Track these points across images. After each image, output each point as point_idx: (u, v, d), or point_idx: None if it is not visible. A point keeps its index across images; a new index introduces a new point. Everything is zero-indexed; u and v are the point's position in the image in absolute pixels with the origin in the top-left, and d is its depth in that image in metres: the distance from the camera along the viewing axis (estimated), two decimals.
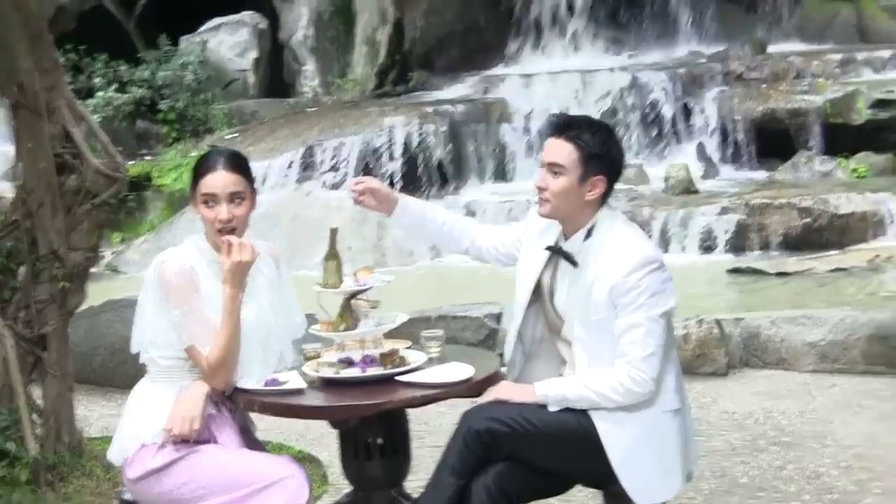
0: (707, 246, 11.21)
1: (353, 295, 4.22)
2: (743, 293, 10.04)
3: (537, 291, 4.27)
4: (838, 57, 13.31)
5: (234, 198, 4.20)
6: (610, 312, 4.02)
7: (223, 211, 4.18)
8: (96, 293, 6.94)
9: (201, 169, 4.22)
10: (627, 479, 4.00)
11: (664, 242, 11.30)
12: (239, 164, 4.25)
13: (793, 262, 10.53)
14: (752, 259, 10.87)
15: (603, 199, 4.15)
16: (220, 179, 4.18)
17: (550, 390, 4.05)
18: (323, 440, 6.52)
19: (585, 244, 4.12)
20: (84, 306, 6.35)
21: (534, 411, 4.01)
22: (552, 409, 4.02)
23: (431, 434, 6.21)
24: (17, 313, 5.87)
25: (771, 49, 14.12)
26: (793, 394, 7.00)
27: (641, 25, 15.02)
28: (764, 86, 13.13)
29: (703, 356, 7.38)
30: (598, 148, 4.09)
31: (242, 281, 4.14)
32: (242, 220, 4.22)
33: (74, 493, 5.74)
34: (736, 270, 10.56)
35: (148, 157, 14.07)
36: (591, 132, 4.12)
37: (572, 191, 4.10)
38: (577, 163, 4.08)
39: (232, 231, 4.17)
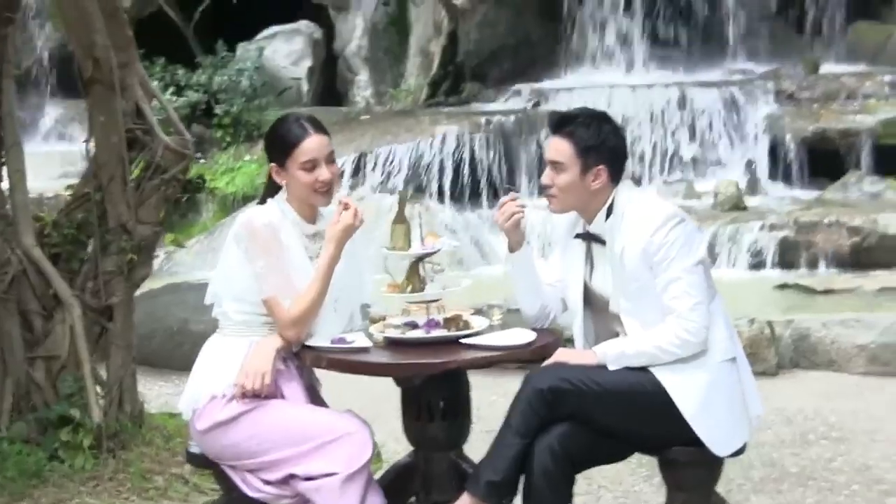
0: (756, 262, 11.20)
1: (421, 258, 4.30)
2: (790, 308, 10.05)
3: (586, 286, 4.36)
4: (890, 78, 13.29)
5: (329, 158, 4.29)
6: (647, 275, 4.12)
7: (324, 172, 4.26)
8: (152, 283, 7.05)
9: (291, 137, 4.26)
10: (703, 430, 4.05)
11: (712, 257, 11.31)
12: (322, 125, 4.35)
13: (840, 280, 10.54)
14: (799, 276, 10.85)
15: (614, 181, 4.25)
16: (316, 142, 4.26)
17: (609, 349, 4.15)
18: (379, 417, 6.60)
19: (608, 223, 4.23)
20: (143, 288, 6.47)
21: (596, 371, 4.10)
22: (612, 367, 4.11)
23: (481, 420, 6.27)
24: (86, 284, 6.00)
25: (822, 70, 14.13)
26: (842, 394, 7.04)
27: (693, 43, 15.00)
28: (815, 105, 13.10)
29: (754, 355, 7.32)
30: (593, 140, 4.21)
31: (344, 244, 4.22)
32: (337, 178, 4.33)
33: (134, 459, 5.83)
34: (783, 286, 10.57)
35: (202, 161, 14.20)
36: (586, 125, 4.22)
37: (576, 184, 4.22)
38: (575, 157, 4.20)
39: (329, 190, 4.27)
